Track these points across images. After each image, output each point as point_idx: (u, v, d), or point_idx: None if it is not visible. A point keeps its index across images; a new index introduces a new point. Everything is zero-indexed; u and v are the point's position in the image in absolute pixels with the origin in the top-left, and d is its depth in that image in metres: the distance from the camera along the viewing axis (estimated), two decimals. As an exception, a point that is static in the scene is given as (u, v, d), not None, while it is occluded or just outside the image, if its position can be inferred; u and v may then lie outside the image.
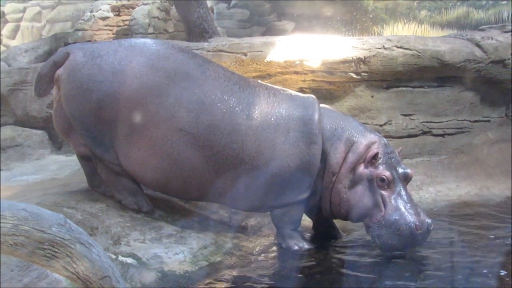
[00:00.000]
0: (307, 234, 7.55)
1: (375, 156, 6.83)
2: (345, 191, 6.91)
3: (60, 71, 6.63)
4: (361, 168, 6.88)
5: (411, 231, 6.56)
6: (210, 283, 5.89)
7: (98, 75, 6.46)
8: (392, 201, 6.75)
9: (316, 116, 6.92)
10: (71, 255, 3.53)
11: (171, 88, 6.48)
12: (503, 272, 5.91)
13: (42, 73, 6.83)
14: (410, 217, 6.62)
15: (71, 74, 6.53)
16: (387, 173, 6.79)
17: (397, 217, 6.62)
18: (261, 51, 9.81)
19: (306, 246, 7.00)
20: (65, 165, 9.76)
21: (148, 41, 7.01)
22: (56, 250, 3.49)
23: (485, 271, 5.95)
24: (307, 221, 7.62)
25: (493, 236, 7.35)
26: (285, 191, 6.90)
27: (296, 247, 6.98)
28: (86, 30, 16.09)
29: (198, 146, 6.52)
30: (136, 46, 6.74)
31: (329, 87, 9.98)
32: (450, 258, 6.68)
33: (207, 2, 13.23)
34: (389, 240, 6.66)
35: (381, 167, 6.83)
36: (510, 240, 7.20)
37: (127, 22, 16.37)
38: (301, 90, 9.61)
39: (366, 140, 6.99)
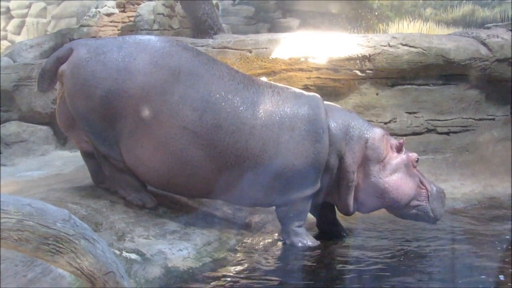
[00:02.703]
0: (312, 231, 7.54)
1: (402, 144, 7.22)
2: (386, 181, 7.12)
3: (63, 67, 6.60)
4: (396, 157, 7.22)
5: (444, 194, 7.48)
6: (213, 279, 5.90)
7: (101, 71, 6.44)
8: (423, 176, 7.37)
9: (322, 115, 6.93)
10: (75, 251, 3.54)
11: (175, 86, 6.46)
12: (502, 277, 5.85)
13: (45, 69, 6.82)
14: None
15: (75, 70, 6.51)
16: (416, 154, 7.41)
17: (435, 188, 7.39)
18: (266, 48, 9.82)
19: (310, 243, 7.00)
20: (69, 161, 9.77)
21: (153, 38, 6.99)
22: (61, 245, 3.49)
23: (483, 276, 5.92)
24: (310, 218, 7.62)
25: (496, 238, 7.35)
26: (290, 189, 6.89)
27: (300, 244, 6.98)
28: (91, 26, 16.10)
29: (201, 144, 6.49)
30: (140, 43, 6.72)
31: (334, 85, 9.98)
32: (452, 259, 6.69)
33: (212, -2, 13.26)
34: (440, 209, 7.37)
35: (405, 151, 7.31)
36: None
37: (132, 19, 16.38)
38: (306, 87, 9.62)
39: (376, 134, 7.19)
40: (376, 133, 7.19)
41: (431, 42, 10.07)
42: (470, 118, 10.37)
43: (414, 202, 7.23)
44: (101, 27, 16.20)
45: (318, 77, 9.88)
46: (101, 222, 6.27)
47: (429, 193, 7.26)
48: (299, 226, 7.10)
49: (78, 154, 7.89)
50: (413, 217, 7.37)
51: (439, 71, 10.15)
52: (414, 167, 7.29)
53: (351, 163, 7.05)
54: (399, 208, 7.27)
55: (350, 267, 6.43)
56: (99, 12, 16.38)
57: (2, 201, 3.31)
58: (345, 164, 7.06)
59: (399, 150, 7.24)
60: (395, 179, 7.12)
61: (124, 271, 3.94)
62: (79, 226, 3.61)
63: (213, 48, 9.83)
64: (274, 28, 20.20)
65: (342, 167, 7.08)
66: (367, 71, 9.90)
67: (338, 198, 7.26)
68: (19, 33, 23.90)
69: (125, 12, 16.75)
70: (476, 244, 7.07)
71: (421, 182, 7.29)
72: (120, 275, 3.80)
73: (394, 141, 7.29)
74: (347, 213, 7.34)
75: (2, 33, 24.05)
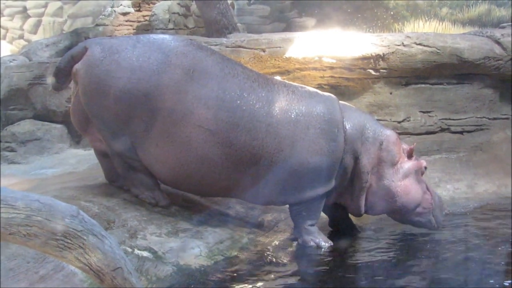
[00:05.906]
0: (324, 230, 7.54)
1: (413, 149, 7.30)
2: (398, 185, 7.18)
3: (78, 66, 6.61)
4: (407, 162, 7.27)
5: (442, 202, 7.67)
6: (225, 277, 5.91)
7: (116, 71, 6.46)
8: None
9: (337, 114, 6.95)
10: (83, 246, 3.55)
11: (189, 85, 6.47)
12: (507, 283, 5.77)
13: (59, 67, 6.85)
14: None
15: (89, 69, 6.53)
16: (425, 161, 7.47)
17: (437, 196, 7.56)
18: (280, 47, 9.82)
19: (322, 242, 7.01)
20: (83, 159, 9.82)
21: (167, 37, 7.01)
22: (69, 241, 3.51)
23: (492, 281, 5.86)
24: (323, 217, 7.62)
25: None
26: (304, 188, 6.89)
27: (312, 243, 6.99)
28: (107, 25, 16.17)
29: (217, 143, 6.50)
30: (154, 42, 6.73)
31: (348, 84, 9.97)
32: (463, 260, 6.64)
33: (227, -2, 13.28)
34: (441, 217, 7.51)
35: (415, 157, 7.39)
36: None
37: (147, 18, 16.44)
38: (320, 86, 9.60)
39: (390, 137, 7.24)
40: (390, 136, 7.22)
41: (445, 42, 10.04)
42: (484, 117, 10.34)
43: (420, 209, 7.30)
44: (117, 26, 16.26)
45: (332, 76, 9.87)
46: (114, 219, 6.30)
47: (432, 201, 7.34)
48: (312, 225, 7.11)
49: (92, 152, 7.93)
50: (415, 223, 7.43)
51: (453, 70, 10.12)
52: (422, 173, 7.35)
53: (366, 164, 7.07)
54: (405, 213, 7.31)
55: (363, 266, 6.45)
56: (114, 11, 16.45)
57: (11, 197, 3.34)
58: (361, 165, 7.08)
59: (410, 155, 7.28)
60: (407, 184, 7.16)
61: (132, 268, 3.95)
62: (87, 222, 3.63)
63: (227, 47, 9.84)
64: (290, 27, 20.14)
65: (357, 167, 7.10)
66: (381, 70, 9.88)
67: (350, 198, 7.28)
68: (35, 32, 23.99)
69: (141, 11, 16.83)
70: (488, 245, 7.04)
71: (427, 189, 7.36)
72: (128, 271, 3.82)
73: (405, 146, 7.35)
74: (358, 214, 7.36)
75: (19, 32, 24.20)
